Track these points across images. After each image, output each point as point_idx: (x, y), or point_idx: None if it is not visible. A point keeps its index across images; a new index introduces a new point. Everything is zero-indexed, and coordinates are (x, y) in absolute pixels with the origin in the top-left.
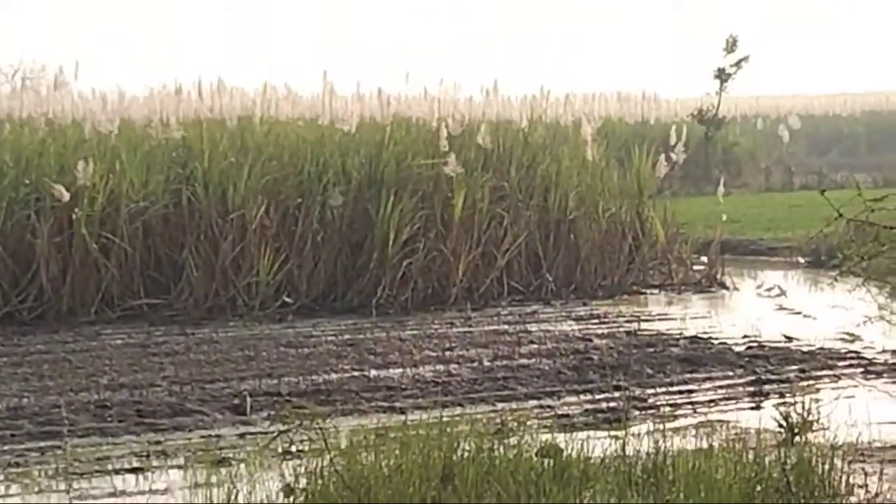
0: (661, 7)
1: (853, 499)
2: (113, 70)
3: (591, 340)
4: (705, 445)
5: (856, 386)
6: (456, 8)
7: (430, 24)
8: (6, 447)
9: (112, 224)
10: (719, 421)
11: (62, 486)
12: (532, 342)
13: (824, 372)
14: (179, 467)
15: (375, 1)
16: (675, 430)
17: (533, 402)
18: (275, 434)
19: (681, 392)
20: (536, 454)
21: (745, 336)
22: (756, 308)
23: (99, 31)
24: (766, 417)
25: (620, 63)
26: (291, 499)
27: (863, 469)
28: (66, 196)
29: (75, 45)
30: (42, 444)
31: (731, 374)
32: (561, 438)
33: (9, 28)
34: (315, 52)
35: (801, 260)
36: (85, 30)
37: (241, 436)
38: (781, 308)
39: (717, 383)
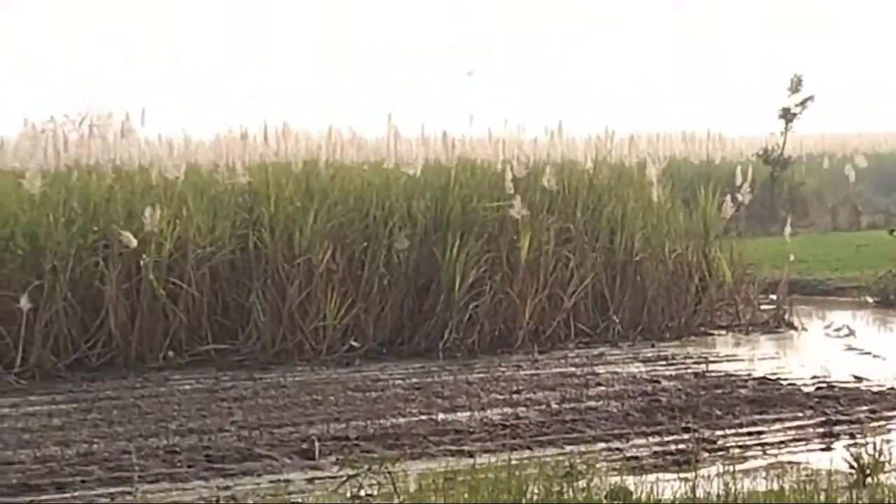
0: (662, 7)
1: None
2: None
3: (659, 382)
4: (776, 487)
5: None
6: (456, 8)
7: (430, 24)
8: (77, 493)
9: (179, 270)
10: (789, 462)
11: None
12: (600, 384)
13: (895, 412)
14: None
15: (375, 0)
16: (745, 472)
17: (601, 445)
18: (344, 478)
19: (750, 433)
20: (606, 497)
21: (814, 377)
22: (825, 348)
23: (99, 31)
24: (837, 459)
25: (682, 103)
26: None
27: None
28: (134, 242)
29: (75, 45)
30: (112, 489)
31: (800, 415)
32: (630, 481)
33: (9, 28)
34: (314, 52)
35: (870, 299)
36: (85, 30)
37: (310, 480)
38: (850, 348)
39: (787, 424)
